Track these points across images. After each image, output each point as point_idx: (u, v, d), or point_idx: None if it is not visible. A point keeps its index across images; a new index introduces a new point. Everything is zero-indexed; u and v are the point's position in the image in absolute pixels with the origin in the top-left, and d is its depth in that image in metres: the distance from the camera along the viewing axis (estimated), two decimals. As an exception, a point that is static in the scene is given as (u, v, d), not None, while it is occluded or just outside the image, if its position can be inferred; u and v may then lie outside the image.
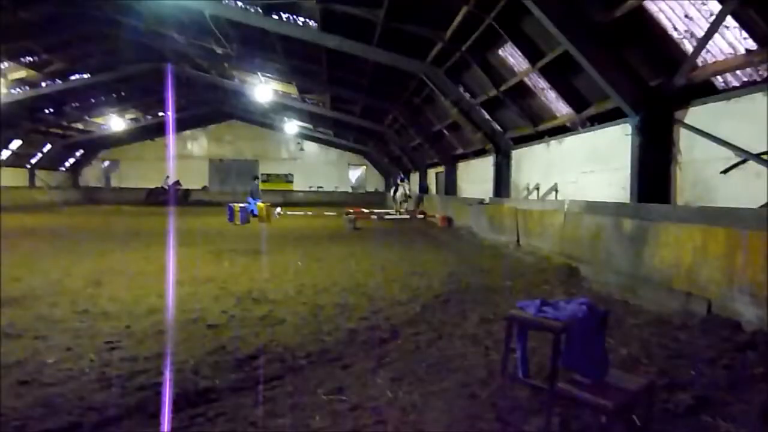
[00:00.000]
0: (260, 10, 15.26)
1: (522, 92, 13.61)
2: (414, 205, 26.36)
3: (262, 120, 37.24)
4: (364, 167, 42.89)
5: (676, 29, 8.12)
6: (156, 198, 34.73)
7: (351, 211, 22.16)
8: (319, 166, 41.73)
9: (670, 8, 7.92)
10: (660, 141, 8.76)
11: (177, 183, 35.75)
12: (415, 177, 31.18)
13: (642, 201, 8.72)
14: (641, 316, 5.99)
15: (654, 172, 8.83)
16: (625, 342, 5.00)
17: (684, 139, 8.48)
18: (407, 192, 24.77)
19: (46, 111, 28.32)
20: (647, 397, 3.33)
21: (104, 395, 3.80)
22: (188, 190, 37.21)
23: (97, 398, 3.73)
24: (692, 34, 7.89)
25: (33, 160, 34.10)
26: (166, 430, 3.33)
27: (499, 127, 16.70)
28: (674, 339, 5.05)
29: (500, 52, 13.03)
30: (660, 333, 5.26)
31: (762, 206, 6.61)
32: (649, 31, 8.49)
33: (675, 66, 8.30)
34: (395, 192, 25.78)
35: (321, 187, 41.21)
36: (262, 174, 39.90)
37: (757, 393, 3.76)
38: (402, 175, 27.26)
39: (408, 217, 23.16)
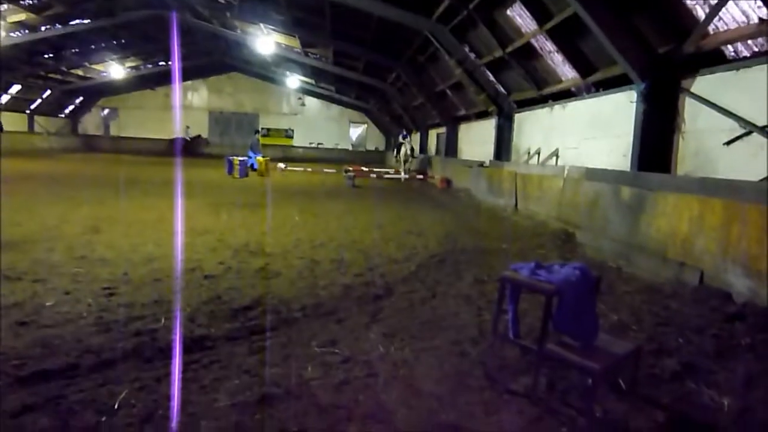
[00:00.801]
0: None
1: (528, 54, 13.38)
2: (418, 165, 25.30)
3: (264, 73, 36.72)
4: (365, 125, 42.52)
5: (689, -6, 7.93)
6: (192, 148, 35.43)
7: (350, 168, 22.09)
8: (320, 123, 41.36)
9: (685, -28, 7.72)
10: (665, 109, 8.67)
11: (199, 136, 36.57)
12: (416, 137, 30.68)
13: (642, 169, 8.69)
14: (634, 283, 6.06)
15: (656, 141, 8.77)
16: (616, 308, 5.07)
17: (689, 108, 8.40)
18: (410, 151, 23.33)
19: (46, 56, 27.83)
20: (634, 361, 3.40)
21: (101, 339, 3.86)
22: (207, 139, 37.73)
23: (95, 341, 3.79)
24: (705, 1, 7.71)
25: (32, 106, 33.75)
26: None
27: (503, 89, 16.50)
28: (665, 307, 5.12)
29: (508, 11, 12.75)
30: (651, 300, 5.32)
31: (762, 179, 6.59)
32: (661, -4, 8.30)
33: (685, 33, 8.14)
34: (397, 151, 24.14)
35: (321, 143, 40.96)
36: (261, 128, 39.54)
37: (742, 363, 3.83)
38: (405, 132, 24.62)
39: (408, 177, 22.54)
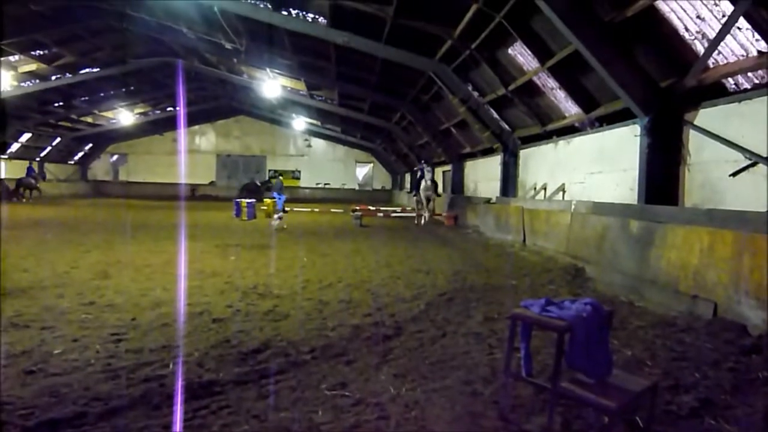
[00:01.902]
0: (270, 6, 15.28)
1: (531, 91, 13.56)
2: (447, 206, 20.87)
3: (270, 116, 37.32)
4: (372, 164, 42.90)
5: (687, 30, 8.05)
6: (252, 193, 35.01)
7: (358, 208, 22.16)
8: (327, 163, 41.78)
9: (682, 8, 7.85)
10: (669, 142, 8.70)
11: (268, 180, 36.26)
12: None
13: (650, 202, 8.68)
14: (646, 317, 5.97)
15: (662, 174, 8.78)
16: (629, 343, 4.99)
17: (693, 140, 8.43)
18: (430, 186, 18.36)
19: (56, 104, 28.43)
20: (650, 398, 3.32)
21: (109, 386, 3.82)
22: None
23: (103, 389, 3.76)
24: (704, 35, 7.82)
25: (42, 153, 34.32)
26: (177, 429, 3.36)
27: (507, 126, 16.65)
28: (679, 341, 5.03)
29: (510, 50, 12.98)
30: (665, 335, 5.24)
31: (770, 209, 6.56)
32: (660, 32, 8.43)
33: (686, 67, 8.24)
34: (417, 188, 18.95)
35: (328, 184, 41.29)
36: (270, 170, 40.25)
37: (761, 397, 3.74)
38: (424, 164, 19.18)
39: (428, 220, 18.43)
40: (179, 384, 3.86)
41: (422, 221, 18.56)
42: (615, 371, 3.31)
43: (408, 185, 35.41)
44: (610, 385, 3.16)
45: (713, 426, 3.36)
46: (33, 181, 28.46)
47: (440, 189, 20.13)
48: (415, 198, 19.65)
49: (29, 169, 29.51)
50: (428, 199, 18.44)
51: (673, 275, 6.38)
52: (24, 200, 27.24)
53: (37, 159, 33.68)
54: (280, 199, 22.40)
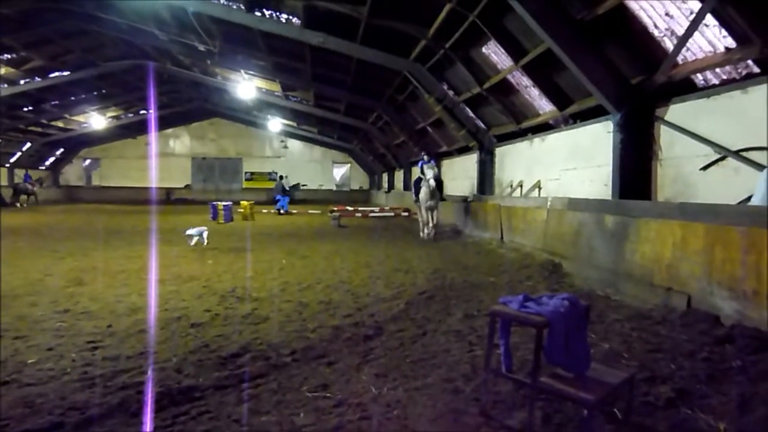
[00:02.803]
0: (243, 7, 15.16)
1: (505, 90, 13.67)
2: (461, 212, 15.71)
3: (246, 117, 37.03)
4: (349, 165, 42.83)
5: (657, 27, 8.20)
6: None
7: (336, 209, 22.12)
8: (304, 164, 41.57)
9: (651, 6, 8.00)
10: (641, 138, 8.86)
11: (298, 184, 35.59)
12: (398, 175, 30.77)
13: (623, 197, 8.82)
14: (622, 311, 6.07)
15: (635, 169, 8.94)
16: (606, 337, 5.07)
17: (664, 136, 8.59)
18: (434, 187, 13.46)
19: (25, 109, 27.83)
20: (628, 390, 3.38)
21: (86, 395, 3.75)
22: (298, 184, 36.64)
23: (79, 398, 3.69)
24: (673, 32, 7.98)
25: (12, 159, 33.55)
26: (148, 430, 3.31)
27: (482, 125, 16.77)
28: (655, 333, 5.12)
29: (483, 49, 13.07)
30: (641, 327, 5.33)
31: (740, 202, 6.71)
32: (630, 29, 8.57)
33: (656, 64, 8.40)
34: (417, 190, 14.09)
35: (305, 185, 41.15)
36: (246, 172, 40.08)
37: (735, 385, 3.82)
38: (425, 158, 14.58)
39: (434, 231, 13.76)
40: (149, 390, 3.81)
41: (426, 234, 13.84)
42: (593, 365, 3.36)
43: (386, 185, 35.38)
44: (588, 378, 3.20)
45: (689, 415, 3.43)
46: (30, 187, 29.73)
47: (438, 189, 13.85)
48: (415, 203, 14.62)
49: (26, 176, 30.99)
50: (431, 209, 13.70)
51: (647, 268, 6.50)
52: (18, 205, 27.94)
53: (7, 165, 32.95)
54: (283, 200, 23.12)
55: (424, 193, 13.64)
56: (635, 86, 8.92)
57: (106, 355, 4.59)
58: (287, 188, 24.91)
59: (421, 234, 14.11)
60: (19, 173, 32.14)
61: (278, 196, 24.83)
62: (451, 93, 16.49)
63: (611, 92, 8.94)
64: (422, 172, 13.76)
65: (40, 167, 37.23)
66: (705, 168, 7.69)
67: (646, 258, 6.55)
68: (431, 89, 16.61)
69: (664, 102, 8.50)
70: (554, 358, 3.22)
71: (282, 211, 24.22)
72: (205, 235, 12.17)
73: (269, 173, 41.27)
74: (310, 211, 24.81)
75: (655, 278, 6.30)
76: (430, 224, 13.80)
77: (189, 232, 12.29)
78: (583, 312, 3.45)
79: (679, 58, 8.01)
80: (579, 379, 3.19)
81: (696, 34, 7.46)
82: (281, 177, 26.13)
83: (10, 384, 3.92)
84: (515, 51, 11.54)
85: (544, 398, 3.53)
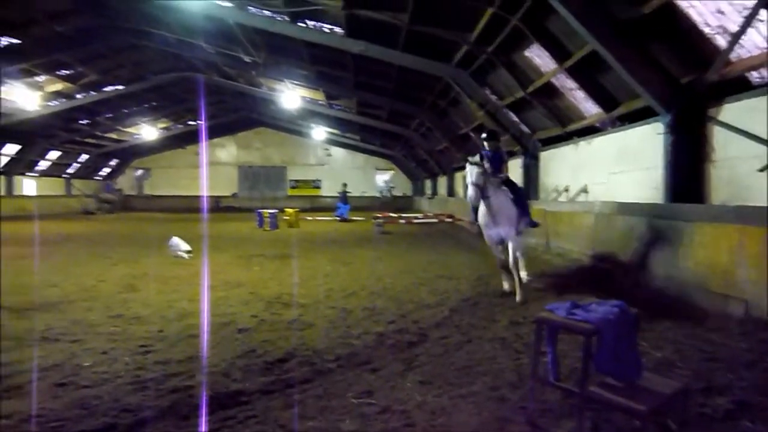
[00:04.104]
0: (287, 18, 15.43)
1: (549, 93, 13.45)
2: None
3: (290, 126, 37.61)
4: (392, 172, 42.95)
5: (708, 24, 7.93)
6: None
7: (379, 215, 22.19)
8: (347, 171, 41.87)
9: (702, 3, 7.75)
10: (693, 139, 8.56)
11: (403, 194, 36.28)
12: (443, 180, 30.59)
13: (675, 201, 8.54)
14: (675, 318, 5.86)
15: (687, 171, 8.63)
16: (658, 345, 4.90)
17: (718, 136, 8.28)
18: (502, 198, 7.31)
19: (82, 122, 29.09)
20: (682, 401, 3.25)
21: (138, 397, 3.87)
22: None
23: (132, 400, 3.81)
24: (725, 29, 7.70)
25: (69, 170, 35.08)
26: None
27: (526, 129, 16.54)
28: (710, 342, 4.92)
29: (526, 52, 12.91)
30: (695, 335, 5.13)
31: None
32: (679, 27, 8.31)
33: (707, 62, 8.11)
34: (474, 205, 7.40)
35: (349, 192, 41.44)
36: (290, 180, 40.80)
37: (798, 397, 3.64)
38: (489, 143, 7.90)
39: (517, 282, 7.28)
40: (204, 394, 3.89)
41: (508, 286, 7.50)
42: (645, 374, 3.25)
43: (429, 191, 35.22)
44: (639, 388, 3.10)
45: (751, 428, 3.27)
46: (111, 196, 34.54)
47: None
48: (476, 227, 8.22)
49: (108, 186, 36.28)
50: (501, 243, 7.55)
51: (701, 274, 6.26)
52: (100, 213, 31.32)
53: (65, 175, 34.50)
54: (344, 208, 24.67)
55: (482, 214, 7.47)
56: (685, 86, 8.64)
57: (157, 359, 4.72)
58: (347, 197, 26.00)
59: (504, 285, 7.57)
60: (86, 185, 34.98)
61: (339, 204, 25.78)
62: (493, 98, 16.33)
63: (660, 93, 8.69)
64: (479, 175, 7.06)
65: (95, 177, 38.76)
66: (763, 169, 7.36)
67: (700, 263, 6.32)
68: (473, 94, 16.50)
69: (717, 101, 8.19)
70: (604, 366, 3.14)
71: (341, 219, 24.97)
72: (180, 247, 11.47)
73: (313, 181, 41.84)
74: (353, 218, 24.97)
75: (710, 284, 6.07)
76: (514, 270, 7.27)
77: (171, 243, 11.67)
78: (634, 319, 3.35)
79: (732, 56, 7.72)
80: (630, 389, 3.09)
81: (750, 30, 7.18)
82: (344, 185, 26.79)
83: (67, 386, 4.08)
84: (559, 53, 11.35)
85: (593, 408, 3.43)
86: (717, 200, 8.28)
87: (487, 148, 7.85)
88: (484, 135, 8.14)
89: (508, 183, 7.76)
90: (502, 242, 7.52)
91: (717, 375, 4.09)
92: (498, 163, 7.68)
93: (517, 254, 7.40)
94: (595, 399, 3.13)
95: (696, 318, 5.74)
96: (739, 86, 7.96)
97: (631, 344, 3.23)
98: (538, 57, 12.68)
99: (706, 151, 8.48)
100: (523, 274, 7.78)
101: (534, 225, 8.57)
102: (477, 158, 7.18)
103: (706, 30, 8.00)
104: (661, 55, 8.88)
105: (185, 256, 11.23)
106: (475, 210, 7.59)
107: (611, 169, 11.85)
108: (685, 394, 3.26)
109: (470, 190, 6.99)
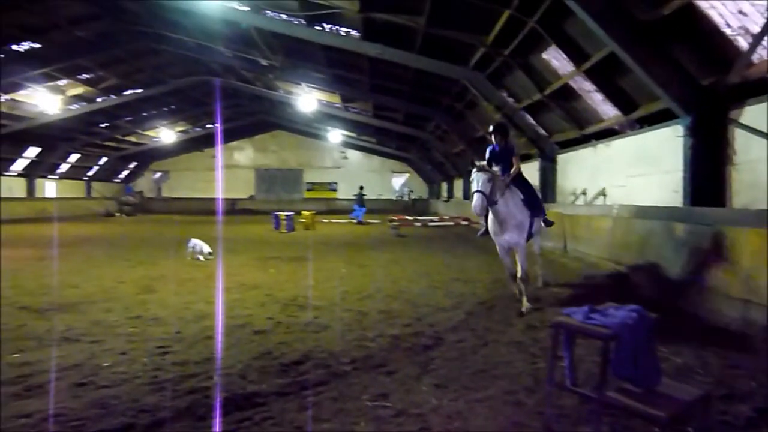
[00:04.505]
0: (303, 22, 15.51)
1: (567, 95, 13.35)
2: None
3: (307, 129, 37.81)
4: (408, 174, 42.95)
5: (729, 26, 7.82)
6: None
7: (395, 218, 22.18)
8: (363, 174, 41.93)
9: (722, 4, 7.64)
10: (714, 142, 8.43)
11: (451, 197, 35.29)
12: (459, 183, 30.47)
13: (695, 204, 8.41)
14: (695, 323, 5.77)
15: (708, 175, 8.50)
16: (678, 351, 4.83)
17: (740, 139, 8.15)
18: (511, 205, 6.85)
19: (101, 125, 29.52)
20: (703, 408, 3.20)
21: (156, 398, 3.90)
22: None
23: (150, 400, 3.84)
24: (746, 31, 7.58)
25: (89, 173, 35.61)
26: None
27: (543, 132, 16.44)
28: (731, 348, 4.84)
29: (544, 55, 12.83)
30: (716, 342, 5.05)
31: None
32: (699, 29, 8.19)
33: (728, 64, 7.99)
34: (484, 214, 7.00)
35: (364, 195, 41.52)
36: (307, 183, 40.95)
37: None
38: (498, 137, 7.37)
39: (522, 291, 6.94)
40: (220, 396, 3.91)
41: (518, 291, 7.06)
42: (664, 380, 3.20)
43: (445, 194, 35.12)
44: (658, 394, 3.05)
45: (772, 436, 3.21)
46: (131, 199, 35.90)
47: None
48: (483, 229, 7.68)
49: (128, 188, 37.72)
50: (509, 248, 7.21)
51: (722, 279, 6.16)
52: (118, 215, 32.58)
53: (85, 178, 35.05)
54: (360, 211, 24.98)
55: (491, 222, 7.11)
56: (706, 88, 8.51)
57: (174, 360, 4.76)
58: (363, 200, 26.30)
59: (518, 296, 7.03)
60: (99, 187, 35.49)
61: (356, 206, 26.08)
62: (510, 100, 16.26)
63: (680, 95, 8.57)
64: (481, 183, 6.53)
65: (114, 180, 39.31)
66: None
67: (721, 268, 6.21)
68: (490, 97, 16.43)
69: (739, 103, 8.06)
70: (622, 371, 3.09)
71: (357, 221, 25.22)
72: (203, 249, 11.40)
73: (329, 183, 42.00)
74: (369, 221, 25.00)
75: (732, 290, 5.96)
76: (521, 282, 6.96)
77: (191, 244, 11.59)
78: (652, 324, 3.30)
79: (754, 57, 7.60)
80: (649, 395, 3.04)
81: (772, 31, 7.06)
82: (360, 187, 27.23)
83: (87, 386, 4.13)
84: (577, 55, 11.26)
85: (610, 414, 3.39)
86: (739, 204, 8.15)
87: (495, 143, 7.44)
88: (491, 128, 7.58)
89: (520, 180, 7.35)
90: (511, 251, 7.23)
91: (739, 382, 4.02)
92: (509, 156, 7.34)
93: (522, 261, 6.96)
94: (613, 405, 3.08)
95: (716, 324, 5.65)
96: (761, 88, 7.81)
97: (650, 349, 3.18)
98: (556, 59, 12.60)
99: (727, 153, 8.35)
100: (540, 274, 8.30)
101: (549, 224, 8.25)
102: (484, 163, 6.79)
103: (727, 31, 7.88)
104: (681, 57, 8.76)
105: (203, 258, 11.29)
106: (486, 216, 7.16)
107: (630, 172, 11.73)
108: (706, 401, 3.20)
109: (475, 199, 6.41)
